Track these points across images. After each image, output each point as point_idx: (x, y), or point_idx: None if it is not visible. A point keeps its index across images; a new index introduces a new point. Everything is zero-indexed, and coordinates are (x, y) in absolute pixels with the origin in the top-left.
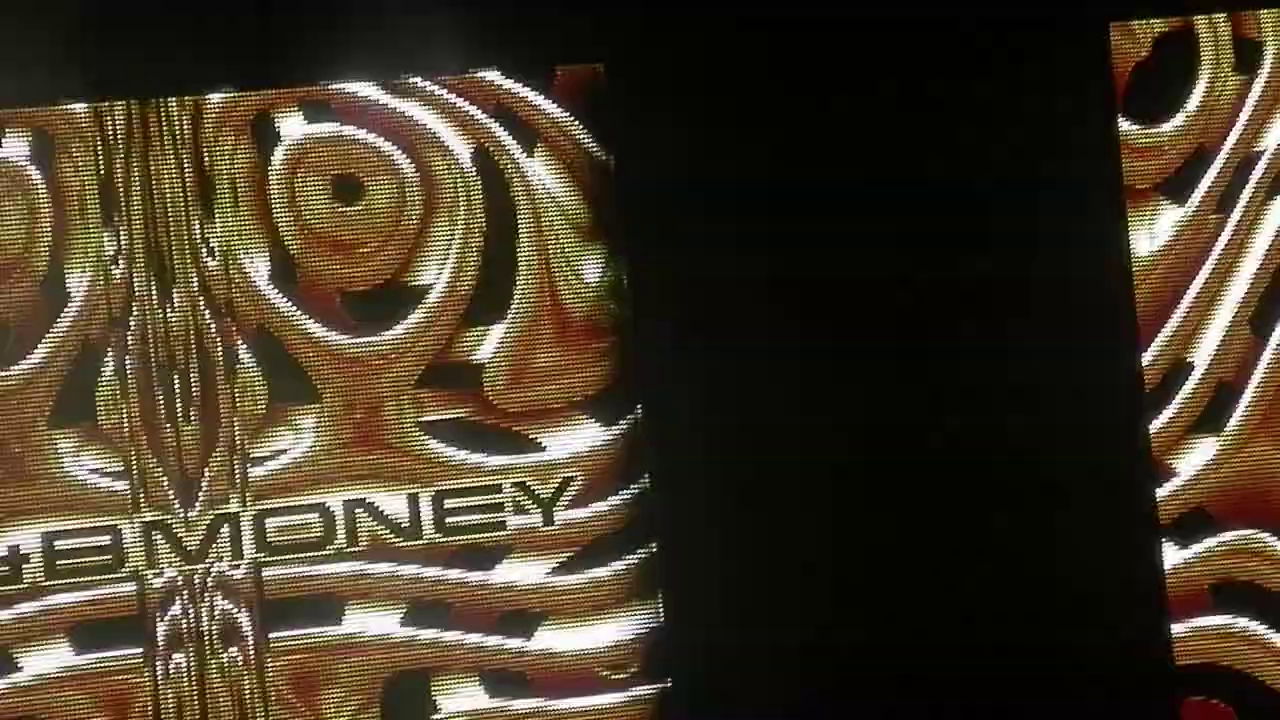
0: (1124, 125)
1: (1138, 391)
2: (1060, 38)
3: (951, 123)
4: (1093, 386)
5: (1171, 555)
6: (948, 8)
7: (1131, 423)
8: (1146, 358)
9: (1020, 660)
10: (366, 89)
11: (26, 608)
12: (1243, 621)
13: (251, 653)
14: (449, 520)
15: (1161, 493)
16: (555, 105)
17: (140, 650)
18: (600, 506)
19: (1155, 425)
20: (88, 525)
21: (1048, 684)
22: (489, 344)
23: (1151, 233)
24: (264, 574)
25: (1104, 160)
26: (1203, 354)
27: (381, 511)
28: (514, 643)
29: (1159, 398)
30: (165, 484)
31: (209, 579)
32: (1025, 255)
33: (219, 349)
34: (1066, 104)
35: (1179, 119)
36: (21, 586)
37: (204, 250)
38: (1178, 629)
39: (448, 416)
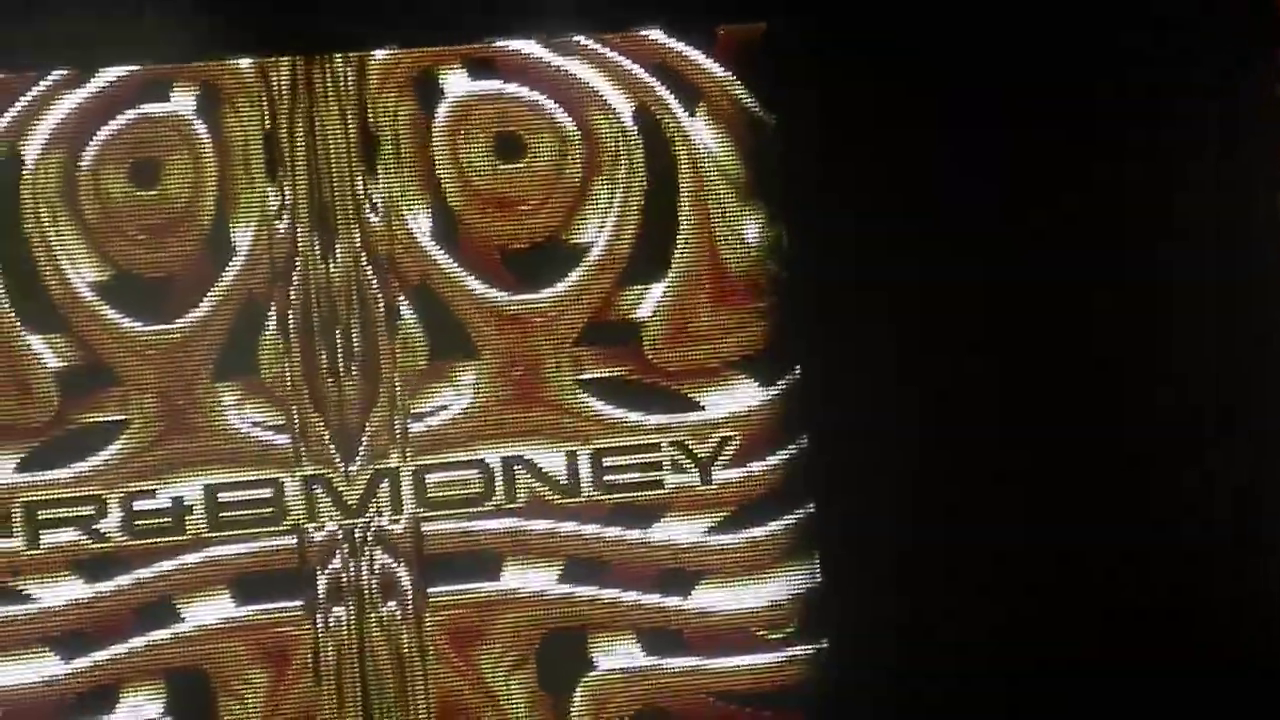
0: None
1: None
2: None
3: (1115, 121)
4: (1255, 374)
5: None
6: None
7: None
8: None
9: (1156, 653)
10: (530, 46)
11: (189, 558)
12: None
13: (410, 607)
14: (607, 478)
15: None
16: (717, 65)
17: (300, 603)
18: (757, 466)
19: None
20: (250, 478)
21: (1173, 676)
22: (648, 303)
23: None
24: (423, 529)
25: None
26: None
27: (540, 469)
28: (671, 601)
29: None
30: (326, 438)
31: (369, 533)
32: (1190, 247)
33: (380, 305)
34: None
35: None
36: (184, 538)
37: (367, 206)
38: None
39: (606, 375)
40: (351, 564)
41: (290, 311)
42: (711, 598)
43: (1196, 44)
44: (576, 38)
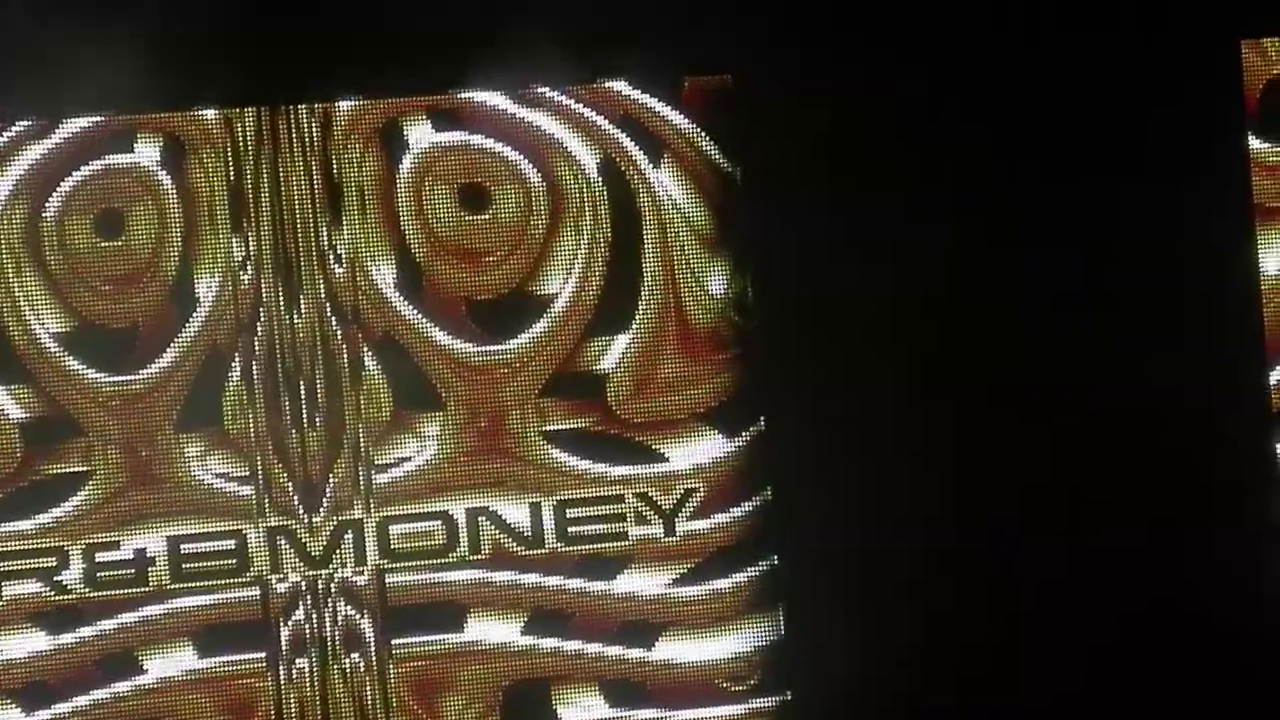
0: (1254, 143)
1: (1265, 410)
2: (1191, 55)
3: (1082, 140)
4: (1219, 404)
5: None
6: (1080, 27)
7: (1258, 441)
8: (1275, 376)
9: (1149, 670)
10: (495, 98)
11: (151, 610)
12: None
13: (374, 658)
14: (571, 530)
15: None
16: (682, 116)
17: (263, 654)
18: (722, 518)
19: None
20: (213, 530)
21: (1178, 690)
22: (613, 354)
23: None
24: (387, 580)
25: (1233, 177)
26: None
27: (504, 520)
28: (635, 653)
29: None
30: (290, 490)
31: (332, 585)
32: (1153, 273)
33: (345, 356)
34: (1197, 121)
35: None
36: (147, 589)
37: (331, 257)
38: None
39: (571, 426)
40: (315, 615)
41: (254, 363)
42: (675, 649)
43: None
44: (541, 89)
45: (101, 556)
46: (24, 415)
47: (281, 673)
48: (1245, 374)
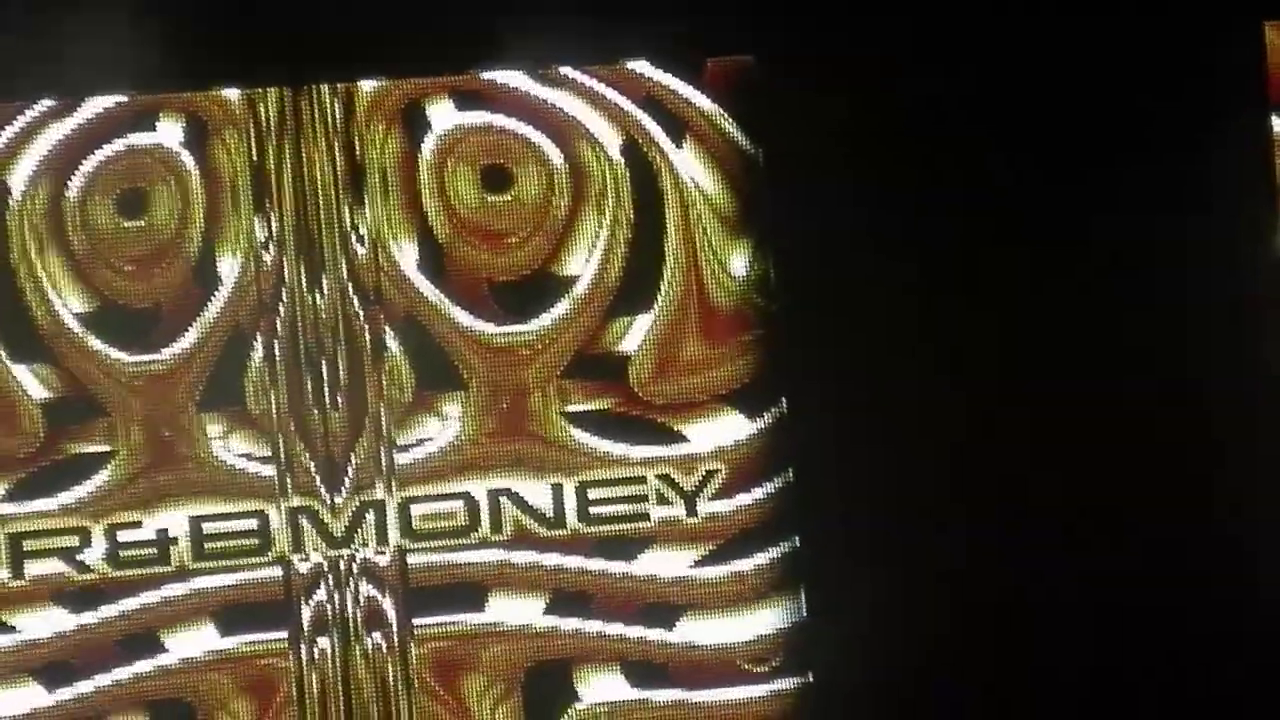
0: (1278, 124)
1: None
2: (1214, 37)
3: (1104, 122)
4: (1238, 387)
5: None
6: (1103, 10)
7: (1273, 382)
8: None
9: (1154, 624)
10: (517, 78)
11: (174, 589)
12: None
13: (395, 639)
14: (593, 510)
15: None
16: (705, 97)
17: (285, 635)
18: (743, 499)
19: None
20: (235, 509)
21: (1177, 649)
22: (635, 335)
23: None
24: (408, 561)
25: (1257, 159)
26: None
27: (525, 501)
28: (655, 634)
29: None
30: (312, 470)
31: (354, 565)
32: (1176, 254)
33: (367, 336)
34: (1220, 103)
35: None
36: (169, 569)
37: (354, 238)
38: None
39: (593, 407)
40: (336, 595)
41: (276, 343)
42: (696, 631)
43: (1185, 80)
44: (564, 70)
45: (124, 536)
46: (46, 395)
47: (303, 652)
48: (1270, 356)
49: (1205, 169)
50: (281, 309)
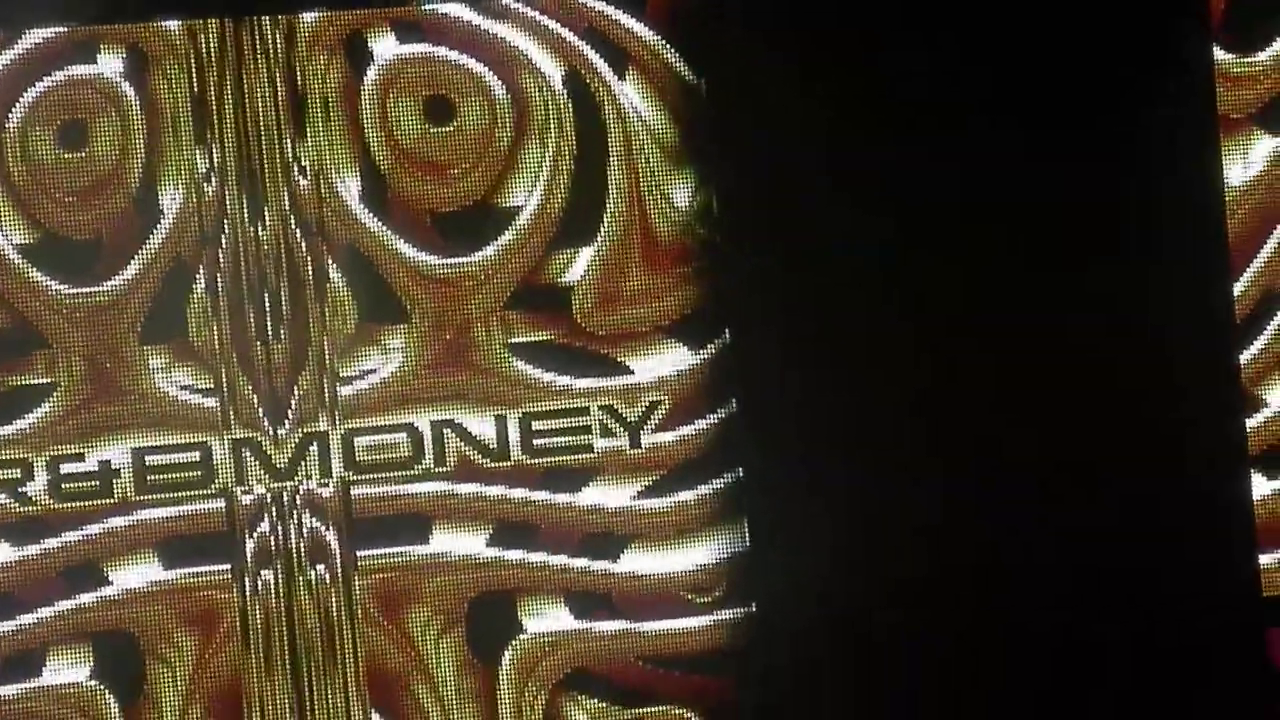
0: (1219, 54)
1: (1229, 322)
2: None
3: (1042, 50)
4: (1183, 316)
5: (1260, 486)
6: None
7: (1222, 353)
8: (1238, 288)
9: (1106, 588)
10: (459, 10)
11: (116, 522)
12: None
13: (339, 571)
14: (536, 442)
15: (1251, 423)
16: (647, 28)
17: (228, 567)
18: (686, 430)
19: (1245, 356)
20: (178, 442)
21: (1133, 612)
22: (578, 267)
23: (1245, 162)
24: (352, 493)
25: (1198, 89)
26: None
27: (469, 432)
28: (599, 565)
29: (1250, 328)
30: (255, 402)
31: (297, 497)
32: (1117, 184)
33: (309, 268)
34: (1161, 33)
35: (1275, 48)
36: (112, 501)
37: (295, 170)
38: (1266, 559)
39: (536, 339)
40: (280, 527)
41: (219, 275)
42: (640, 561)
43: (1128, 13)
44: (506, 1)
45: (66, 468)
46: None
47: (247, 584)
48: (1212, 285)
49: (1169, 129)
50: (223, 241)
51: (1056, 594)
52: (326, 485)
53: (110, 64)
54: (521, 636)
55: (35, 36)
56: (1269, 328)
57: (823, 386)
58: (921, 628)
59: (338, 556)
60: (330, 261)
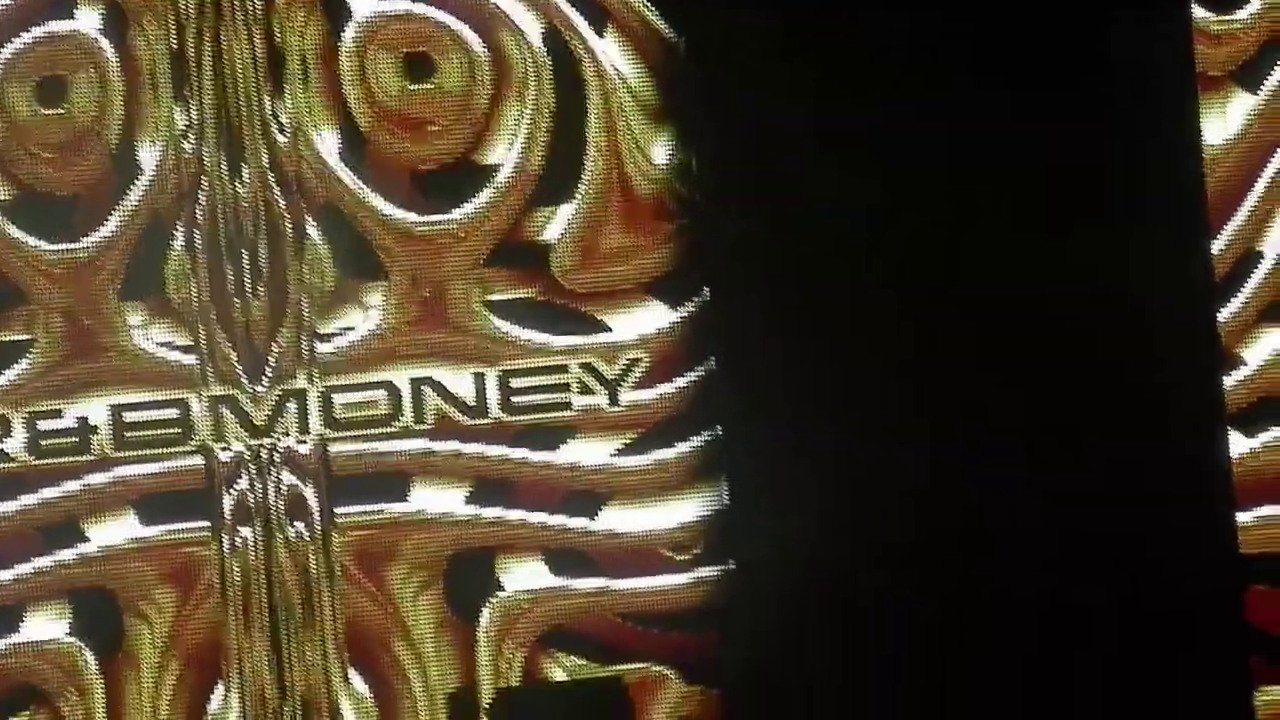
0: (1197, 11)
1: (1207, 280)
2: None
3: (1025, 10)
4: (1162, 274)
5: (1239, 444)
6: None
7: (1201, 311)
8: (1216, 246)
9: (1083, 546)
10: None
11: (94, 479)
12: None
13: (317, 528)
14: (515, 399)
15: (1229, 381)
16: None
17: (207, 524)
18: (666, 388)
19: (1224, 314)
20: (156, 398)
21: (1110, 570)
22: (557, 224)
23: (1223, 120)
24: (330, 450)
25: (1177, 47)
26: (1273, 243)
27: (448, 390)
28: (578, 522)
29: (1229, 286)
30: (233, 359)
31: (276, 454)
32: (1095, 141)
33: (288, 225)
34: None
35: (1254, 5)
36: (90, 458)
37: (274, 126)
38: (1243, 517)
39: (515, 296)
40: (258, 485)
41: (197, 231)
42: (619, 519)
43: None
44: None
45: (43, 424)
46: None
47: (225, 541)
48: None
49: (1123, 58)
50: (202, 197)
51: (1041, 557)
52: (305, 442)
53: (89, 20)
54: (500, 594)
55: None
56: (1247, 287)
57: (804, 346)
58: (905, 591)
59: (316, 514)
60: (309, 218)
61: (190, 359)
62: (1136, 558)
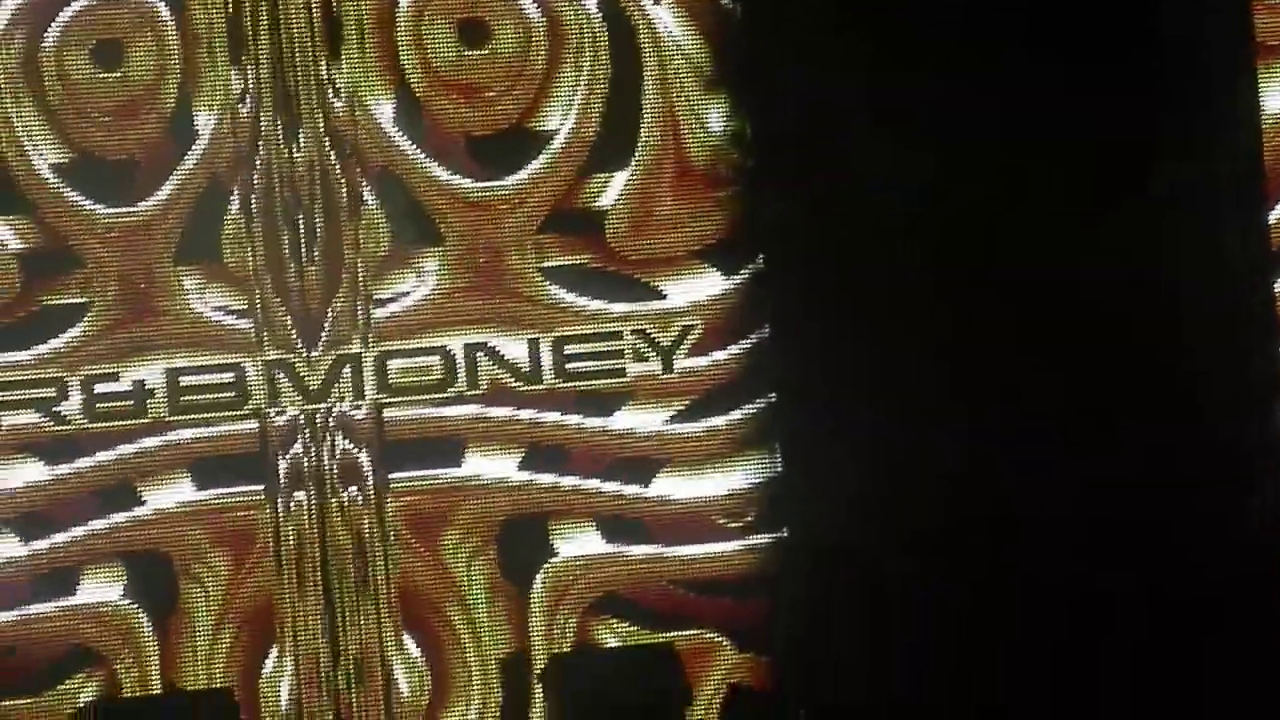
0: None
1: (1264, 250)
2: None
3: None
4: (1219, 243)
5: None
6: None
7: (1258, 280)
8: (1275, 215)
9: (1113, 531)
10: None
11: (150, 442)
12: None
13: (371, 493)
14: (569, 366)
15: None
16: None
17: (261, 488)
18: (719, 355)
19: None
20: (212, 363)
21: (1157, 545)
22: (612, 191)
23: None
24: (385, 415)
25: (1236, 16)
26: None
27: (502, 356)
28: (631, 489)
29: None
30: (288, 323)
31: (330, 419)
32: (1154, 113)
33: (344, 190)
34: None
35: None
36: (145, 421)
37: (331, 91)
38: None
39: (569, 263)
40: (313, 449)
41: (253, 196)
42: (672, 486)
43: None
44: None
45: (100, 388)
46: (22, 246)
47: (279, 505)
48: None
49: (1183, 29)
50: (258, 162)
51: (1071, 542)
52: (359, 407)
53: None
54: (553, 560)
55: None
56: None
57: (856, 310)
58: (938, 574)
59: (370, 479)
60: (364, 184)
61: (245, 323)
62: (1165, 543)
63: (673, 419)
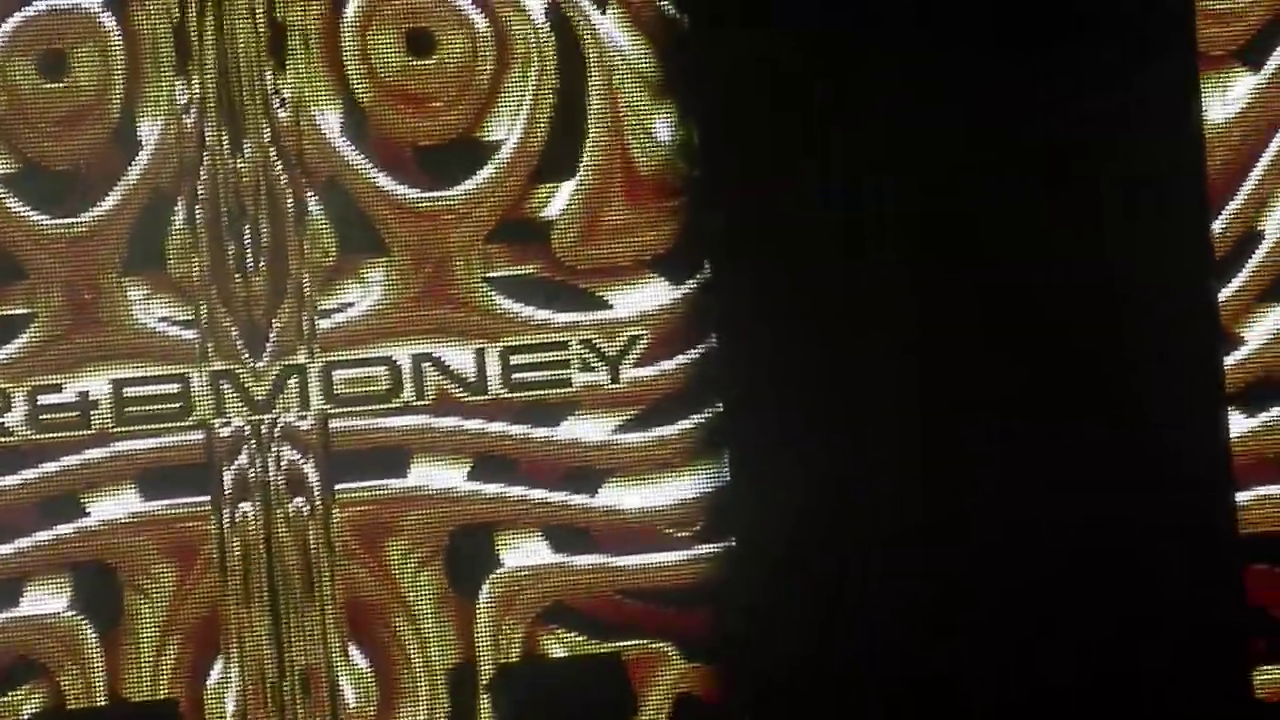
0: None
1: (1207, 259)
2: None
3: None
4: (1161, 253)
5: (1238, 423)
6: None
7: (1201, 290)
8: (1217, 225)
9: (1083, 525)
10: None
11: (95, 453)
12: None
13: (317, 503)
14: (515, 376)
15: (1229, 360)
16: None
17: (207, 499)
18: (666, 365)
19: (1224, 293)
20: (156, 373)
21: (1109, 549)
22: (558, 201)
23: (1225, 99)
24: (331, 425)
25: (1178, 25)
26: (1274, 222)
27: (448, 366)
28: (578, 499)
29: (1229, 266)
30: (234, 334)
31: (276, 429)
32: (1096, 119)
33: (289, 200)
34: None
35: None
36: (90, 432)
37: (276, 101)
38: (1243, 497)
39: (516, 273)
40: (258, 460)
41: (198, 206)
42: (619, 496)
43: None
44: None
45: (44, 399)
46: None
47: (225, 516)
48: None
49: (1125, 36)
50: (203, 172)
51: (1036, 540)
52: (305, 418)
53: None
54: (500, 570)
55: None
56: (1248, 266)
57: (803, 321)
58: (888, 583)
59: (316, 489)
60: (310, 194)
61: (191, 334)
62: (1119, 548)
63: (620, 429)
